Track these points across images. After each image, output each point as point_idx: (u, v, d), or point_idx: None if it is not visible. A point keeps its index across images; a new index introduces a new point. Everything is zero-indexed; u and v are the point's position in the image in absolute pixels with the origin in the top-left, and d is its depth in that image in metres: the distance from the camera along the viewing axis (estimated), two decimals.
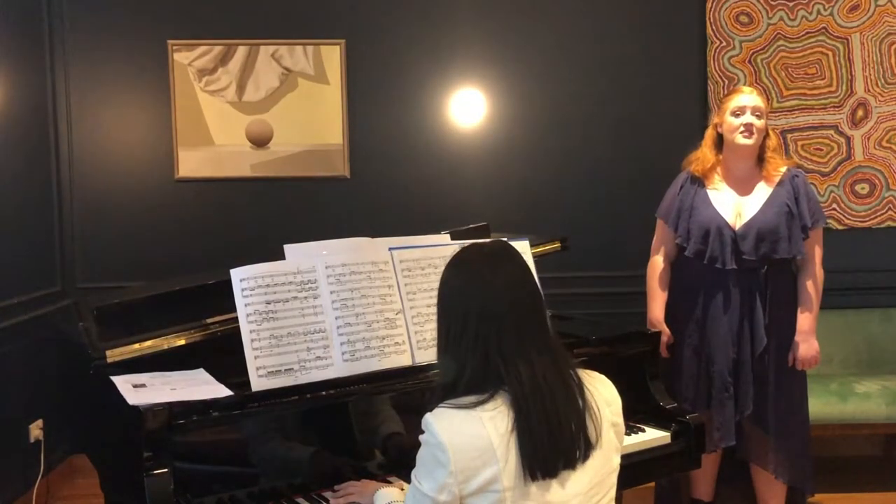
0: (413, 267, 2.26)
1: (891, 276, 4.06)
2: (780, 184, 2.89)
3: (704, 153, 2.96)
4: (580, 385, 1.54)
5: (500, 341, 1.50)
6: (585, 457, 1.50)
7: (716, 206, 2.89)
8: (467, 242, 2.36)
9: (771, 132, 2.95)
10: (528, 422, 1.45)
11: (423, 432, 1.51)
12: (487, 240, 1.71)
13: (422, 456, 1.50)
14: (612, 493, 1.58)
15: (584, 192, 4.09)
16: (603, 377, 1.63)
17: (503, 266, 1.57)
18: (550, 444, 1.45)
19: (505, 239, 1.97)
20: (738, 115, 2.86)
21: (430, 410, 1.50)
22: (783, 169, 2.91)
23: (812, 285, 2.90)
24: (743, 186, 2.92)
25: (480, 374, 1.50)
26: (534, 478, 1.44)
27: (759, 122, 2.85)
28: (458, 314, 1.54)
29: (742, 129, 2.84)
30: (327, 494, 1.98)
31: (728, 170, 2.95)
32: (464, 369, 1.51)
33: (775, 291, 2.87)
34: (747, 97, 2.88)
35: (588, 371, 1.61)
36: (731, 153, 2.92)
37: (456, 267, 1.61)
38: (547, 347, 1.54)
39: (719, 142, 2.95)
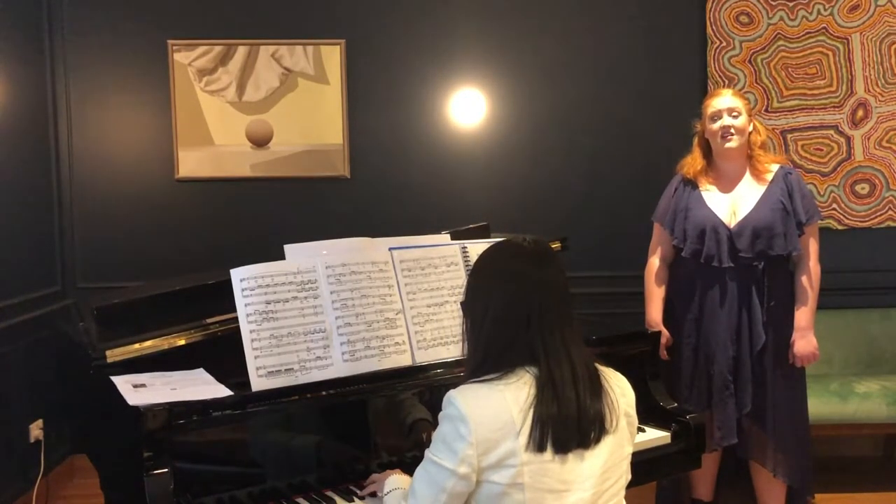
0: (413, 267, 2.26)
1: (891, 276, 4.06)
2: (773, 181, 2.90)
3: (695, 157, 3.00)
4: (599, 374, 1.61)
5: (541, 324, 1.55)
6: (598, 439, 1.55)
7: (710, 206, 2.91)
8: (468, 242, 2.39)
9: (759, 128, 2.96)
10: (556, 396, 1.50)
11: (441, 411, 1.56)
12: (528, 237, 1.74)
13: (441, 432, 1.54)
14: (624, 481, 1.63)
15: (584, 192, 4.09)
16: (618, 374, 1.70)
17: (542, 263, 1.63)
18: (571, 420, 1.51)
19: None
20: (716, 119, 2.89)
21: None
22: (775, 167, 2.92)
23: (808, 281, 2.90)
24: (735, 186, 2.93)
25: (503, 351, 1.56)
26: (542, 449, 1.48)
27: (737, 123, 2.86)
28: (483, 303, 1.60)
29: (720, 132, 2.87)
30: (329, 493, 1.99)
31: (719, 171, 2.97)
32: (488, 350, 1.57)
33: (772, 288, 2.87)
34: (721, 99, 2.91)
35: (605, 367, 1.67)
36: (718, 156, 2.95)
37: (492, 260, 1.67)
38: (576, 337, 1.61)
39: (707, 145, 2.97)
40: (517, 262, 1.62)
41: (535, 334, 1.55)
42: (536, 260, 1.62)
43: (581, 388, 1.53)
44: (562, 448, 1.50)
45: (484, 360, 1.58)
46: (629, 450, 1.64)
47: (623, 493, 1.63)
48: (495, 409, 1.49)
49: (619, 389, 1.63)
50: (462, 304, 1.67)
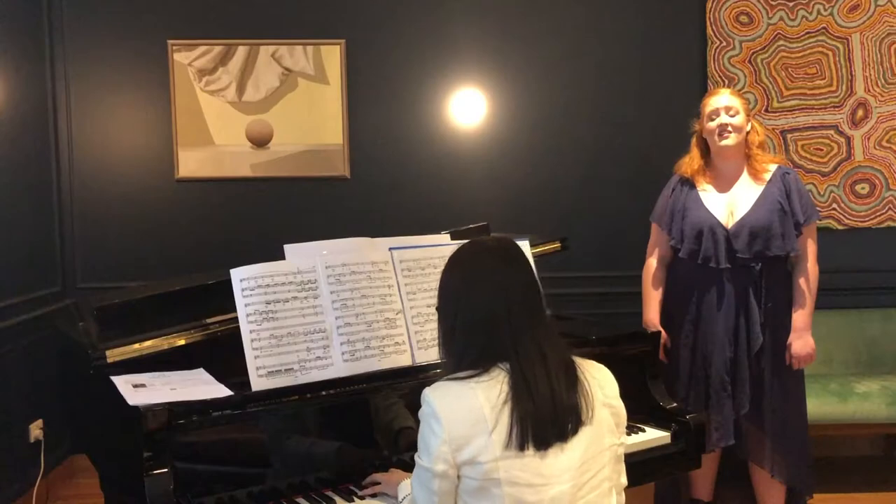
0: (413, 267, 2.26)
1: (891, 276, 4.06)
2: (770, 181, 2.90)
3: (692, 156, 3.00)
4: (574, 367, 1.60)
5: (510, 324, 1.56)
6: (575, 431, 1.55)
7: (707, 206, 2.91)
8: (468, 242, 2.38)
9: (757, 127, 2.96)
10: (531, 394, 1.51)
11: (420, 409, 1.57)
12: (490, 236, 1.74)
13: (420, 432, 1.57)
14: (605, 472, 1.60)
15: (584, 193, 4.09)
16: (600, 366, 1.69)
17: (506, 262, 1.63)
18: (548, 416, 1.51)
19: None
20: (713, 117, 2.90)
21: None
22: (773, 167, 2.92)
23: (805, 282, 2.90)
24: (732, 186, 2.93)
25: (479, 353, 1.57)
26: (523, 448, 1.49)
27: (735, 121, 2.87)
28: (453, 307, 1.61)
29: (718, 129, 2.87)
30: (329, 493, 1.99)
31: (717, 170, 2.97)
32: (464, 352, 1.58)
33: (770, 289, 2.87)
34: (719, 98, 2.92)
35: (585, 360, 1.67)
36: (716, 155, 2.96)
37: (458, 263, 1.67)
38: (549, 332, 1.61)
39: (706, 145, 2.97)
40: (482, 262, 1.63)
41: (505, 333, 1.55)
42: (501, 259, 1.63)
43: (555, 383, 1.54)
44: (543, 444, 1.51)
45: (460, 362, 1.58)
46: (610, 440, 1.61)
47: (606, 484, 1.60)
48: (467, 407, 1.50)
49: (598, 381, 1.63)
50: (437, 308, 1.67)
